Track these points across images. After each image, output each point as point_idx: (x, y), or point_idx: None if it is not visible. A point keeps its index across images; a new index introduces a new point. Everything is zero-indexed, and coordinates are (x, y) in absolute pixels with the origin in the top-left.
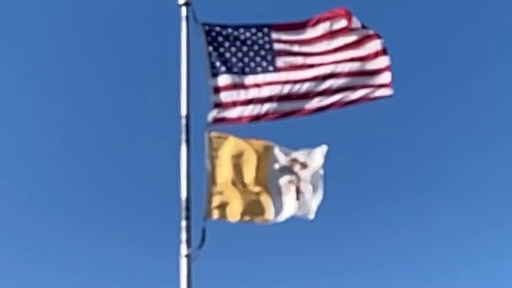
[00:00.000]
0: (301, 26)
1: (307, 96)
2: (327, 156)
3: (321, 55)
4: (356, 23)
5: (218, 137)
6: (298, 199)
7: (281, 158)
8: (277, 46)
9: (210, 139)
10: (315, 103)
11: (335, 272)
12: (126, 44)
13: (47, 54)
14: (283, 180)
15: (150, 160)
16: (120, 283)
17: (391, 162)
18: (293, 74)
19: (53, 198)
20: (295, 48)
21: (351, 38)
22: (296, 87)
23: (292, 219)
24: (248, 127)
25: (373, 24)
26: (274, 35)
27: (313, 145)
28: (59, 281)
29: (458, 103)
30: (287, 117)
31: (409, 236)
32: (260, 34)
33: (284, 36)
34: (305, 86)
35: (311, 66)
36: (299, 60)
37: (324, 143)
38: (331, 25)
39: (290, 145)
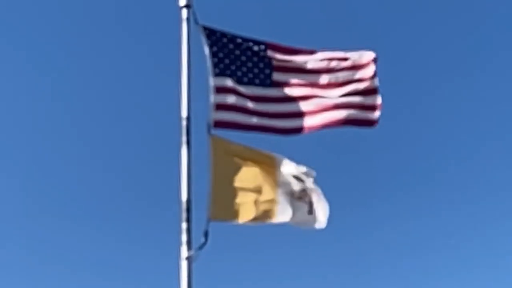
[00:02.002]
0: (298, 52)
1: (305, 114)
2: (324, 156)
3: (319, 74)
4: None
5: (221, 140)
6: (311, 213)
7: (290, 167)
8: (275, 62)
9: (213, 141)
10: (311, 121)
11: (336, 272)
12: (127, 45)
13: (47, 56)
14: (294, 187)
15: (150, 162)
16: (120, 284)
17: (385, 162)
18: (290, 91)
19: (53, 199)
20: (292, 66)
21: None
22: (293, 105)
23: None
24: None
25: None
26: (270, 53)
27: (311, 146)
28: (59, 281)
29: (449, 104)
30: (283, 134)
31: (404, 234)
32: (256, 48)
33: (280, 56)
34: (302, 105)
35: (308, 85)
36: (296, 78)
37: (320, 142)
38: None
39: (290, 149)
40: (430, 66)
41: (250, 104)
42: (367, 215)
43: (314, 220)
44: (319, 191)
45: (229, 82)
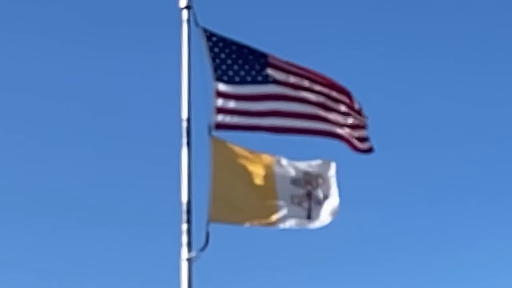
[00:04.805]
0: (296, 67)
1: (305, 117)
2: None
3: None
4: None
5: (222, 142)
6: (310, 218)
7: (292, 169)
8: (271, 71)
9: (214, 143)
10: (313, 125)
11: (337, 272)
12: (127, 46)
13: (48, 57)
14: (294, 191)
15: (151, 163)
16: (120, 286)
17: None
18: (286, 90)
19: (54, 201)
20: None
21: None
22: (294, 105)
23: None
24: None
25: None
26: (269, 60)
27: (313, 146)
28: (60, 283)
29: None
30: (288, 134)
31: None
32: (256, 53)
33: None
34: (301, 107)
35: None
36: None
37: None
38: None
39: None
40: (435, 69)
41: (250, 105)
42: (368, 215)
43: (313, 223)
44: (331, 184)
45: (229, 88)
